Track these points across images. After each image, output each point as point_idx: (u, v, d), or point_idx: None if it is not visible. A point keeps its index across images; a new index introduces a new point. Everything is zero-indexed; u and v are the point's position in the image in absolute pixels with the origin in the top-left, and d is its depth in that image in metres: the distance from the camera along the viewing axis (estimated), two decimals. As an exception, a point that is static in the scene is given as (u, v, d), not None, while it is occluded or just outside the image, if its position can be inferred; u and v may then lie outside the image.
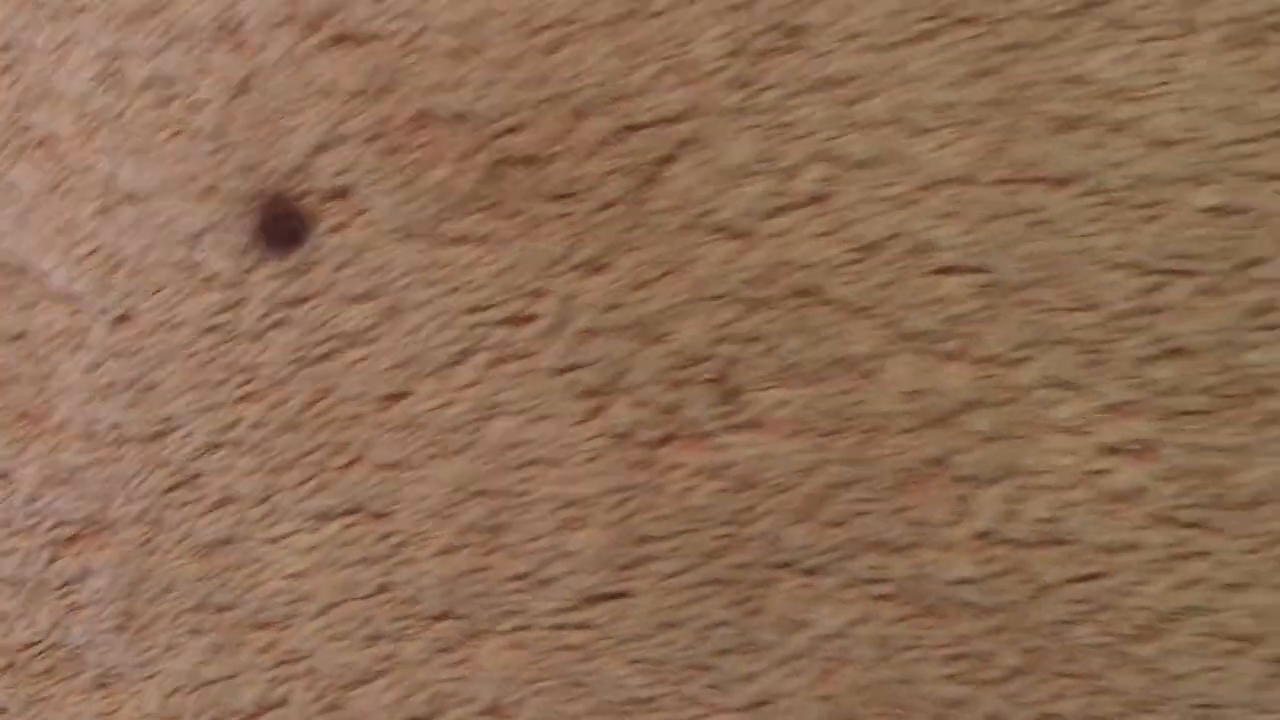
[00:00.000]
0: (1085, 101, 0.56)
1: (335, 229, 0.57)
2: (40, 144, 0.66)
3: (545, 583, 0.57)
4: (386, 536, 0.58)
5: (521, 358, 0.57)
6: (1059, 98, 0.55)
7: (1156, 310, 0.55)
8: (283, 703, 0.64)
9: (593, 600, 0.57)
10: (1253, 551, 0.65)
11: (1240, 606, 0.66)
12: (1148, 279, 0.55)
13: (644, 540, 0.57)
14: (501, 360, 0.57)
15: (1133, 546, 0.60)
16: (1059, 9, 0.65)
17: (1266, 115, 0.64)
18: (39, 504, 0.66)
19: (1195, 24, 0.65)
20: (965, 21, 0.56)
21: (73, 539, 0.60)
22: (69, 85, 0.66)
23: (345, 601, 0.68)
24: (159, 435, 0.58)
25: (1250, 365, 0.56)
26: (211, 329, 0.58)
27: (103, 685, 0.66)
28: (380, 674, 0.66)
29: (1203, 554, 0.66)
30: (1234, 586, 0.66)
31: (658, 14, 0.65)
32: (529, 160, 0.57)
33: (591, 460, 0.57)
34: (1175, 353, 0.55)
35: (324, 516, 0.58)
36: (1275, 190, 0.64)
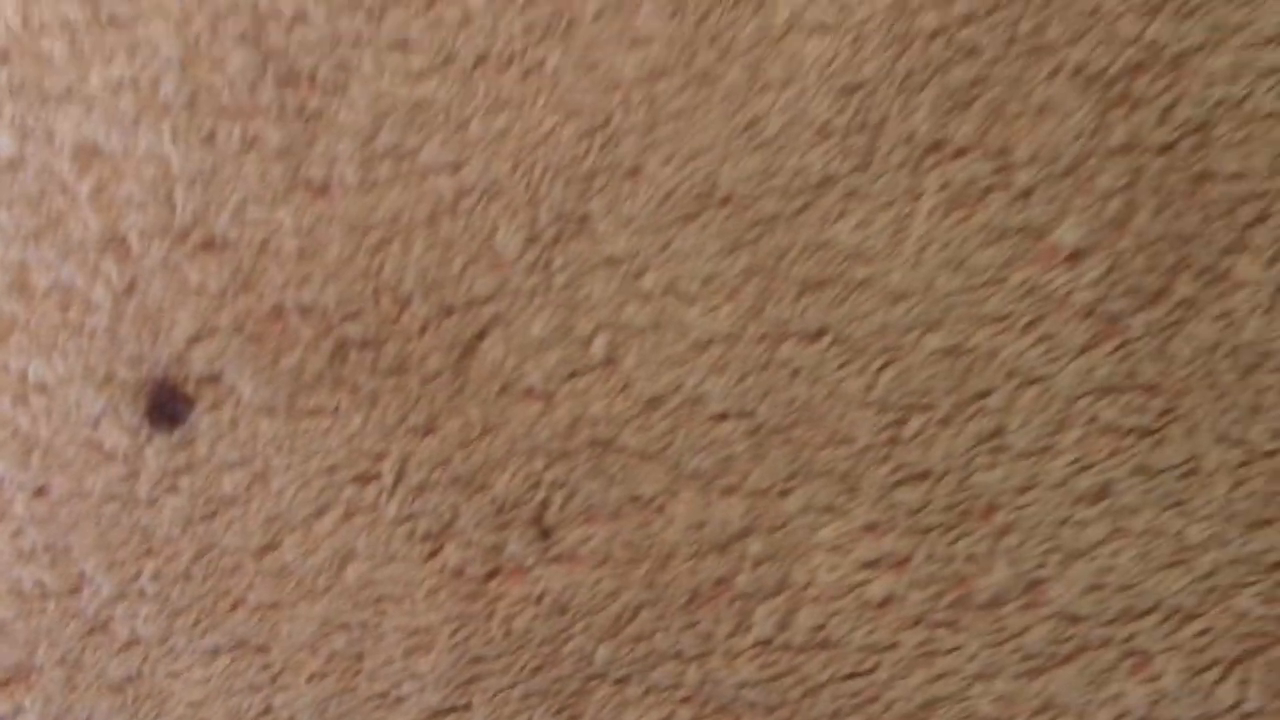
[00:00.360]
0: (829, 265, 0.64)
1: (211, 408, 0.67)
2: None
3: (399, 700, 0.67)
4: (267, 667, 0.68)
5: (369, 510, 0.67)
6: (807, 262, 0.64)
7: (900, 442, 0.63)
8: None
9: (439, 714, 0.67)
10: (995, 645, 0.62)
11: (986, 694, 0.72)
12: (891, 415, 0.64)
13: (478, 660, 0.66)
14: (353, 513, 0.67)
15: (891, 646, 0.63)
16: (802, 184, 0.64)
17: (982, 266, 0.63)
18: (-20, 651, 0.79)
19: (919, 191, 0.76)
20: (723, 201, 0.64)
21: (5, 682, 0.69)
22: None
23: (235, 724, 0.79)
24: (74, 590, 0.69)
25: (982, 485, 0.63)
26: (113, 497, 0.68)
27: (48, 802, 0.78)
28: (268, 785, 0.77)
29: (952, 650, 0.63)
30: (980, 676, 0.63)
31: (464, 213, 0.66)
32: (366, 343, 0.66)
33: (431, 594, 0.66)
34: (918, 477, 0.63)
35: (214, 652, 0.68)
36: (994, 332, 0.63)
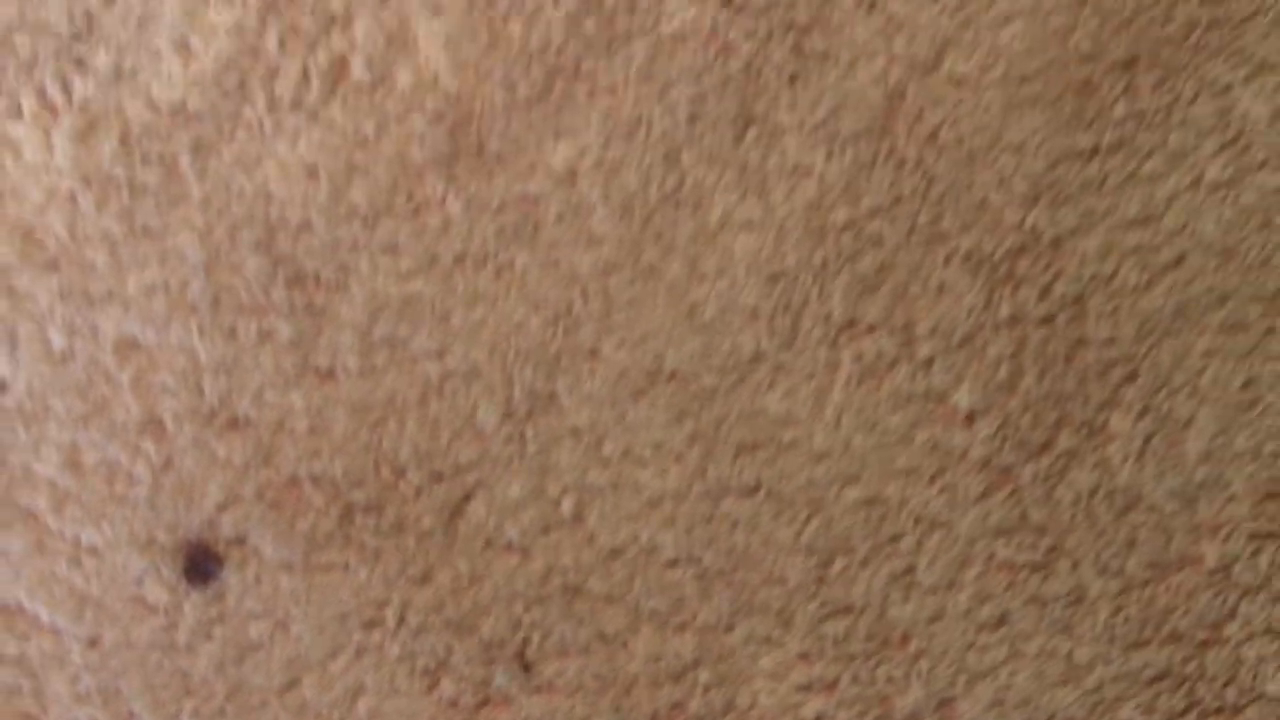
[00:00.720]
0: (761, 430, 0.76)
1: (238, 566, 0.79)
2: (25, 517, 0.80)
3: (407, 815, 0.78)
4: (292, 789, 0.76)
5: (376, 651, 0.79)
6: (742, 428, 0.76)
7: (826, 581, 0.75)
8: None
9: (441, 827, 0.76)
10: (914, 756, 0.89)
11: (908, 798, 0.88)
12: (817, 558, 0.75)
13: (473, 780, 0.74)
14: (362, 654, 0.79)
15: (825, 759, 0.90)
16: (736, 361, 0.76)
17: (892, 427, 0.74)
18: (46, 781, 0.79)
19: (836, 364, 0.75)
20: (670, 378, 0.77)
21: (67, 808, 0.98)
22: (43, 472, 0.77)
23: (266, 840, 0.95)
24: (125, 725, 0.76)
25: (897, 616, 0.74)
26: (157, 645, 0.80)
27: None
28: None
29: (877, 761, 0.89)
30: (903, 783, 0.89)
31: (450, 393, 0.77)
32: (369, 507, 0.79)
33: (431, 723, 0.74)
34: (843, 611, 0.75)
35: (246, 777, 0.79)
36: (904, 484, 0.73)
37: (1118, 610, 0.73)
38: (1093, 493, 0.74)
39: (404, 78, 0.80)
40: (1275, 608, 0.72)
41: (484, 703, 0.78)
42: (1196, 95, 0.76)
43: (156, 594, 0.82)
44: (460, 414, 0.79)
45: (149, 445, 0.83)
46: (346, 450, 0.79)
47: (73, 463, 0.84)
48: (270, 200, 0.81)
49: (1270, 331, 0.74)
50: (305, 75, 0.80)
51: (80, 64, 0.83)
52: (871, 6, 0.78)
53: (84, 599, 0.83)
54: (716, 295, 0.77)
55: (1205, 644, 0.73)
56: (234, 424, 0.82)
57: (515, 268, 0.79)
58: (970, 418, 0.74)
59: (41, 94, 0.84)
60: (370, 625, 0.79)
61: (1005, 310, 0.75)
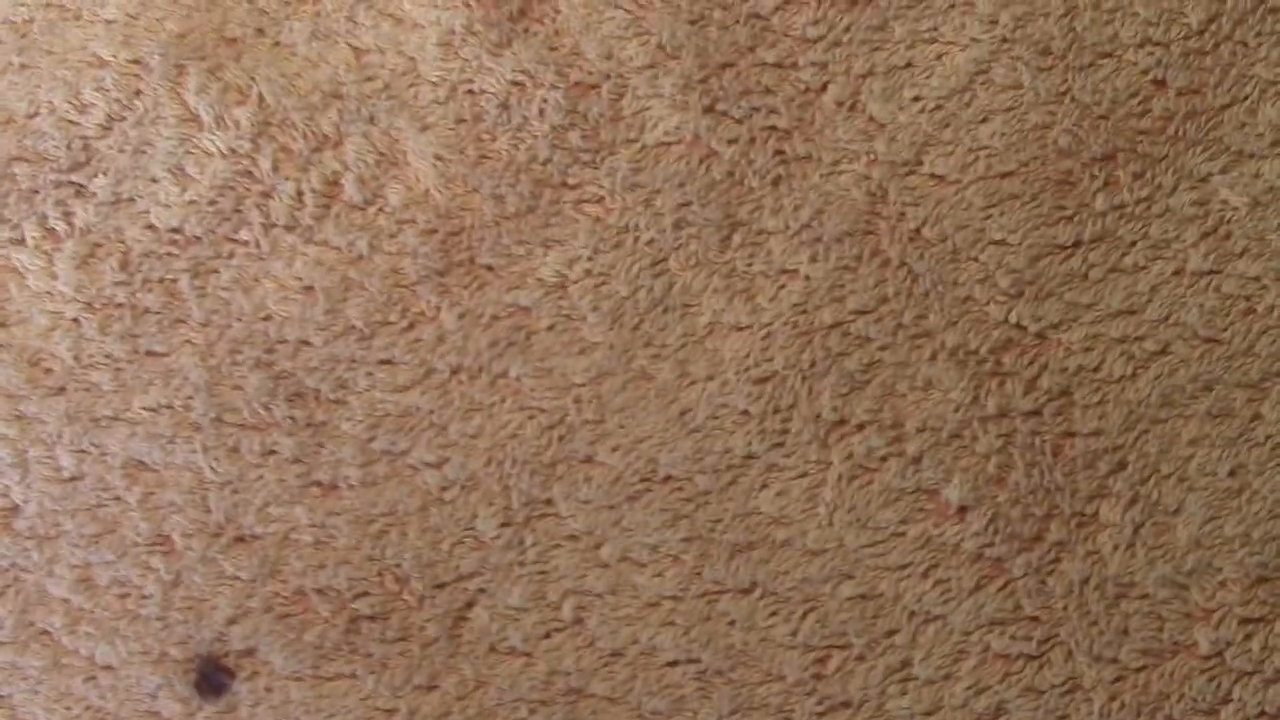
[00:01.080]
0: (756, 530, 0.81)
1: (248, 678, 0.84)
2: (41, 636, 0.85)
3: None
4: None
5: None
6: (736, 529, 0.81)
7: (823, 677, 0.80)
8: None
9: None
10: None
11: None
12: (814, 655, 0.80)
13: None
14: None
15: None
16: (728, 463, 0.82)
17: (884, 523, 0.79)
18: None
19: (827, 462, 0.85)
20: (664, 481, 0.82)
21: None
22: (57, 591, 0.82)
23: None
24: (142, 838, 0.79)
25: (895, 710, 0.79)
26: None
27: None
28: None
29: None
30: None
31: (449, 503, 0.82)
32: (374, 616, 0.83)
33: (441, 826, 0.74)
34: (841, 706, 0.78)
35: None
36: (897, 579, 0.79)
37: (1113, 698, 0.80)
38: (1085, 582, 0.81)
39: (395, 195, 0.89)
40: (1269, 691, 0.79)
41: (493, 808, 0.86)
42: (1176, 186, 0.84)
43: (170, 708, 0.91)
44: (460, 523, 0.87)
45: (159, 563, 0.92)
46: (351, 561, 0.88)
47: (85, 582, 0.93)
48: (269, 319, 0.90)
49: (1256, 418, 0.82)
50: (299, 196, 0.89)
51: (80, 192, 0.93)
52: (852, 108, 0.86)
53: (100, 715, 0.92)
54: (707, 398, 0.86)
55: (1201, 730, 0.80)
56: (241, 539, 0.91)
57: (509, 377, 0.88)
58: (961, 512, 0.82)
59: (43, 222, 0.93)
60: (380, 732, 0.87)
61: (992, 405, 0.83)
